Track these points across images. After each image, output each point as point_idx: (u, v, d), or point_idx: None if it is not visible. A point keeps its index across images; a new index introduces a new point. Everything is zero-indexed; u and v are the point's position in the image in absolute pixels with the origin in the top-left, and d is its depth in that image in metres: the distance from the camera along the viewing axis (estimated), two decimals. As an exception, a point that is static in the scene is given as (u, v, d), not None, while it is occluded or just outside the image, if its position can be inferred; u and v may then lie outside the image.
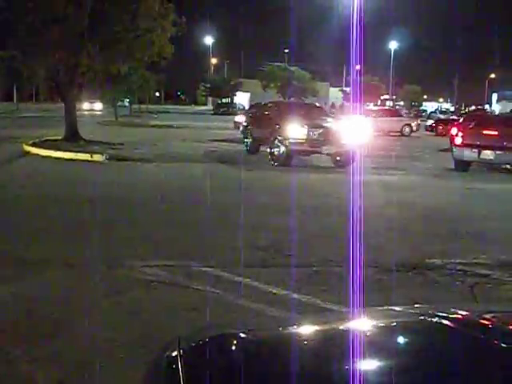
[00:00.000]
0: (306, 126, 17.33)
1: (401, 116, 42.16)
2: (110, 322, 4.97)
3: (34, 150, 18.91)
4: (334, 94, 78.60)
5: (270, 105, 21.85)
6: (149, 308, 5.34)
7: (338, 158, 17.91)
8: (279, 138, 17.43)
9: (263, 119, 19.93)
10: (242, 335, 2.11)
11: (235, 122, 30.98)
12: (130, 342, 4.57)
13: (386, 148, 24.21)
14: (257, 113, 22.33)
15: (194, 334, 2.23)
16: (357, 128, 18.96)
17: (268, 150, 18.05)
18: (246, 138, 21.26)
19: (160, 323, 4.93)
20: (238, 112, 37.44)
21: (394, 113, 42.09)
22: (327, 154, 17.73)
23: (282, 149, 17.34)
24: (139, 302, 5.48)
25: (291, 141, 17.07)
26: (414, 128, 40.07)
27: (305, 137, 17.12)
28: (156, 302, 5.48)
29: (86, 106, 54.99)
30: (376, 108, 48.34)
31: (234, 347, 2.00)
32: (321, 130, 17.41)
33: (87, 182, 12.60)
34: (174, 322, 4.94)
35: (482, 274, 6.75)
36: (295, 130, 17.19)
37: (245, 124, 22.19)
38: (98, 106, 54.98)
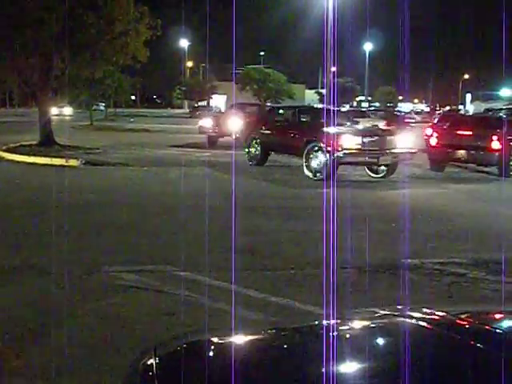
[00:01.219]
0: (359, 134, 15.37)
1: (368, 117, 41.95)
2: (87, 328, 4.93)
3: (8, 156, 18.71)
4: (310, 95, 78.83)
5: (288, 110, 19.07)
6: (126, 314, 5.30)
7: (385, 168, 15.78)
8: (321, 147, 14.83)
9: (282, 125, 17.33)
10: (218, 341, 2.10)
11: (200, 127, 26.50)
12: (106, 348, 4.53)
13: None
14: (268, 117, 19.44)
15: (169, 342, 2.21)
16: (407, 134, 17.45)
17: (304, 161, 15.25)
18: (250, 146, 18.17)
19: (138, 329, 4.90)
20: (204, 115, 31.97)
21: (362, 114, 41.46)
22: (385, 165, 15.67)
23: (323, 160, 14.73)
24: (117, 307, 5.44)
25: (344, 151, 14.58)
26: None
27: (359, 146, 14.83)
28: (134, 308, 5.45)
29: (54, 110, 53.47)
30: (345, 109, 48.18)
31: (209, 354, 1.99)
32: (375, 138, 15.39)
33: (62, 188, 12.47)
34: (152, 327, 4.92)
35: (459, 273, 6.81)
36: (347, 139, 14.84)
37: (248, 131, 18.88)
38: (68, 110, 54.26)
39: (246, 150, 18.17)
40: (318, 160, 14.93)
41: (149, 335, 4.58)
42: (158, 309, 5.38)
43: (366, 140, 14.99)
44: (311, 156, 15.11)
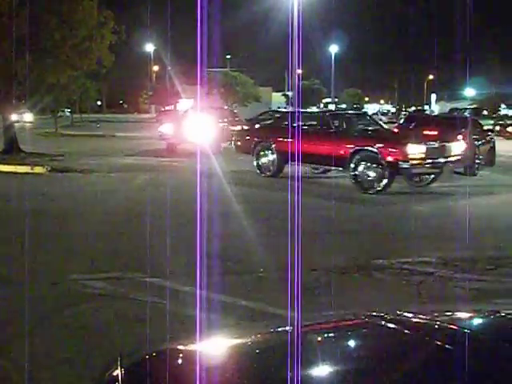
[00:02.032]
0: (423, 142, 13.87)
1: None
2: (55, 339, 4.84)
3: (-28, 164, 18.37)
4: (277, 98, 79.01)
5: (319, 114, 17.19)
6: (95, 323, 5.22)
7: (431, 177, 14.47)
8: (375, 157, 13.26)
9: (311, 132, 15.16)
10: (185, 350, 2.06)
11: (161, 134, 24.37)
12: (75, 359, 4.45)
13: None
14: (283, 122, 16.77)
15: (135, 351, 2.17)
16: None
17: (350, 173, 13.65)
18: (260, 155, 16.06)
19: (107, 338, 4.82)
20: (164, 120, 29.09)
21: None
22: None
23: (377, 172, 13.20)
24: (85, 316, 5.36)
25: (411, 161, 13.08)
26: None
27: (423, 155, 13.28)
28: (102, 317, 5.37)
29: (14, 117, 51.89)
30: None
31: (176, 363, 1.94)
32: (437, 145, 13.92)
33: (27, 195, 12.30)
34: (121, 335, 4.84)
35: (428, 272, 6.85)
36: (412, 147, 13.24)
37: (259, 139, 16.36)
38: (28, 116, 53.21)
39: (256, 159, 16.07)
40: (371, 171, 13.26)
41: (118, 344, 4.50)
42: (127, 316, 5.31)
43: (429, 147, 13.53)
44: (360, 167, 13.40)
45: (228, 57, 79.53)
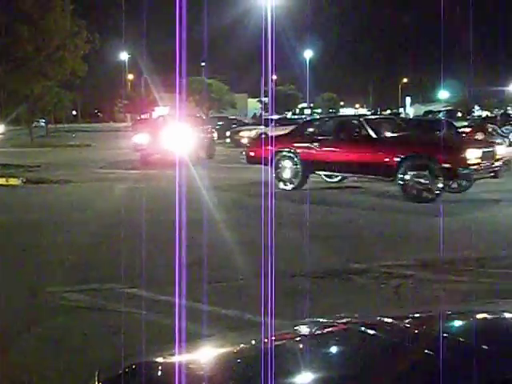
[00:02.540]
0: (478, 145, 13.38)
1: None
2: (32, 353, 4.77)
3: None
4: (253, 104, 79.14)
5: (351, 119, 15.98)
6: (72, 336, 5.16)
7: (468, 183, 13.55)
8: (430, 163, 12.33)
9: (345, 140, 14.04)
10: (164, 362, 2.04)
11: (135, 144, 23.19)
12: (52, 372, 4.39)
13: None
14: (307, 130, 15.56)
15: (113, 365, 2.14)
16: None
17: (398, 182, 12.70)
18: (279, 165, 14.64)
19: (84, 351, 4.77)
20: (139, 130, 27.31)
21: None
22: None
23: (431, 179, 12.33)
24: (62, 329, 5.30)
25: (472, 166, 12.34)
26: None
27: (479, 160, 12.56)
28: (79, 329, 5.30)
29: None
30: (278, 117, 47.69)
31: (154, 376, 1.92)
32: (489, 149, 13.35)
33: (2, 207, 12.17)
34: (99, 348, 4.78)
35: (406, 274, 6.87)
36: (470, 151, 12.53)
37: (280, 147, 14.78)
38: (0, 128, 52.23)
39: (275, 169, 14.56)
40: (423, 179, 12.36)
41: (96, 357, 4.45)
42: (105, 328, 5.25)
43: (484, 152, 12.82)
44: (409, 175, 12.48)
45: (202, 64, 79.52)
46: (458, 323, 2.39)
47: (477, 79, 70.54)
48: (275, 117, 44.31)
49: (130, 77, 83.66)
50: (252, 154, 15.78)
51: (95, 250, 8.23)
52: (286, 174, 14.52)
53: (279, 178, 14.54)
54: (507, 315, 2.42)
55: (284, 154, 14.54)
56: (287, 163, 14.53)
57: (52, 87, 31.97)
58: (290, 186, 14.36)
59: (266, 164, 14.21)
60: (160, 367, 2.00)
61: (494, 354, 1.82)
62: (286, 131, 16.53)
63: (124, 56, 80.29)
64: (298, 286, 6.39)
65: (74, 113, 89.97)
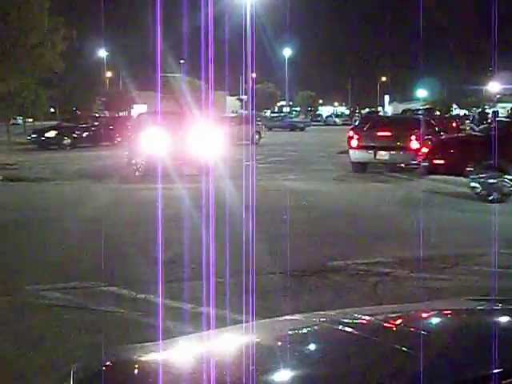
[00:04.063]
0: None
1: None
2: (10, 352, 4.73)
3: None
4: (232, 102, 79.05)
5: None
6: (51, 334, 5.13)
7: None
8: None
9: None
10: (140, 360, 2.04)
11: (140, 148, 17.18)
12: (29, 371, 4.37)
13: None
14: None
15: (89, 363, 2.14)
16: None
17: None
18: (483, 177, 12.21)
19: (63, 350, 4.74)
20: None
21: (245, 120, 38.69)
22: None
23: None
24: (40, 328, 5.26)
25: None
26: (263, 135, 38.32)
27: None
28: (58, 328, 5.27)
29: None
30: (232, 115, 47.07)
31: (131, 374, 1.92)
32: None
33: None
34: (78, 346, 4.76)
35: (384, 272, 6.92)
36: None
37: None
38: None
39: (473, 181, 12.36)
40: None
41: (73, 355, 4.43)
42: (84, 327, 5.23)
43: None
44: None
45: (182, 61, 79.22)
46: (434, 321, 2.41)
47: (455, 78, 71.05)
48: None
49: (109, 74, 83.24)
50: (438, 162, 13.14)
51: (73, 248, 8.18)
52: (487, 187, 12.22)
53: (478, 191, 12.36)
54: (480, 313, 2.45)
55: (488, 163, 11.88)
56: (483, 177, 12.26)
57: (29, 84, 31.64)
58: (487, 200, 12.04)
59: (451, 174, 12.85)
60: (137, 365, 2.01)
61: (469, 351, 1.84)
62: None
63: (102, 53, 79.88)
64: (277, 284, 6.40)
65: (52, 110, 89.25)
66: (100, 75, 77.32)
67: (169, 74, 70.27)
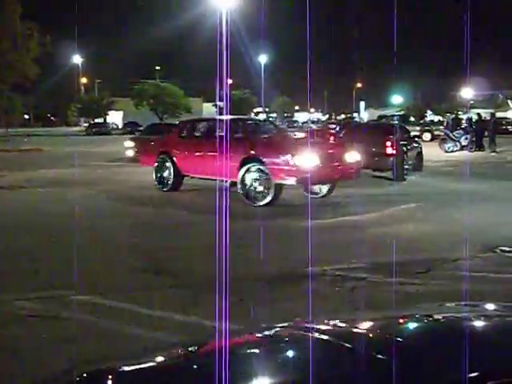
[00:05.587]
0: None
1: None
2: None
3: None
4: (208, 109, 79.00)
5: None
6: (24, 345, 5.05)
7: None
8: None
9: None
10: (116, 371, 2.01)
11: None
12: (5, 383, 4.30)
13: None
14: None
15: (65, 373, 2.11)
16: None
17: None
18: None
19: (38, 360, 4.67)
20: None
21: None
22: None
23: None
24: (13, 339, 5.18)
25: None
26: None
27: None
28: (32, 338, 5.19)
29: None
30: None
31: (107, 385, 1.90)
32: None
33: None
34: (53, 357, 4.70)
35: (360, 277, 6.93)
36: None
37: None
38: None
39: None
40: None
41: (48, 367, 4.37)
42: (58, 337, 5.16)
43: None
44: None
45: (157, 68, 79.03)
46: (408, 326, 2.41)
47: (429, 84, 71.74)
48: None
49: (84, 80, 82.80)
50: None
51: (47, 257, 8.08)
52: None
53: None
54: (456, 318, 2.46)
55: None
56: None
57: (3, 90, 31.39)
58: None
59: None
60: (112, 376, 1.98)
61: (441, 357, 1.85)
62: None
63: (77, 59, 79.41)
64: (251, 291, 6.38)
65: (26, 116, 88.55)
66: (75, 81, 76.78)
67: (144, 81, 70.02)
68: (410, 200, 13.09)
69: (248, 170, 12.60)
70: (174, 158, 14.72)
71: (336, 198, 13.50)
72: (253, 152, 12.77)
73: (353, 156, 13.26)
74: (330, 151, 13.24)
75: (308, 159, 12.05)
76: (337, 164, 12.77)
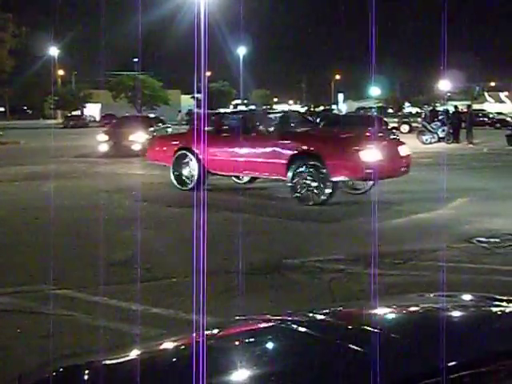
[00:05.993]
0: None
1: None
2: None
3: None
4: (186, 101, 78.70)
5: None
6: (0, 341, 4.99)
7: None
8: None
9: None
10: (90, 365, 1.99)
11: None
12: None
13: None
14: None
15: (36, 370, 2.08)
16: None
17: None
18: None
19: (13, 356, 4.62)
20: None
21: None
22: None
23: None
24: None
25: None
26: None
27: None
28: (8, 334, 5.13)
29: None
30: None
31: (81, 380, 1.87)
32: None
33: None
34: (29, 352, 4.65)
35: (338, 269, 6.95)
36: None
37: None
38: None
39: None
40: None
41: (25, 362, 4.32)
42: (35, 332, 5.10)
43: None
44: None
45: (135, 59, 78.51)
46: (386, 318, 2.42)
47: (407, 76, 72.10)
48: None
49: (61, 73, 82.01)
50: None
51: (22, 251, 7.98)
52: None
53: None
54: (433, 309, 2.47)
55: None
56: None
57: (-22, 83, 31.02)
58: None
59: None
60: (87, 371, 1.95)
61: (421, 347, 1.85)
62: None
63: (54, 51, 78.59)
64: (230, 283, 6.37)
65: (2, 109, 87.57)
66: (51, 74, 75.97)
67: (122, 73, 69.59)
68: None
69: (300, 167, 11.61)
70: (200, 155, 13.13)
71: (375, 195, 11.77)
72: (306, 147, 11.79)
73: (405, 150, 12.57)
74: (390, 145, 12.62)
75: (372, 154, 11.28)
76: (396, 158, 12.07)
